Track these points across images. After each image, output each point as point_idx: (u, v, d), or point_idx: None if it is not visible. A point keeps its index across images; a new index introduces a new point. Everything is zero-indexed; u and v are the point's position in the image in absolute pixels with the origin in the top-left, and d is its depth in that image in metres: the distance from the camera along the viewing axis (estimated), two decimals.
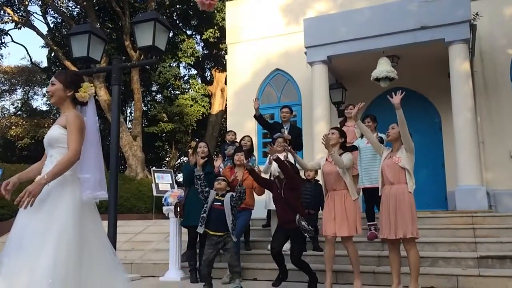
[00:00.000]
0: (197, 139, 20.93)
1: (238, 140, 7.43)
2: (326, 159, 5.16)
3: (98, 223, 3.05)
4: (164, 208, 6.53)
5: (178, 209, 6.27)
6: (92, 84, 3.23)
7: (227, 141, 7.73)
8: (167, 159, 23.09)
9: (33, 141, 19.66)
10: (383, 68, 8.15)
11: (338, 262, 5.83)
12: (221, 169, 6.41)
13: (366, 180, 6.19)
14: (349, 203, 4.96)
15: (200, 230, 5.10)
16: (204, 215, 5.05)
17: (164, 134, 19.13)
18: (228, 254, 4.98)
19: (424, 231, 6.17)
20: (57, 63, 18.20)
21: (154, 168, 13.10)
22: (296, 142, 6.94)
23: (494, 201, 8.60)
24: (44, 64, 22.11)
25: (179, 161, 22.74)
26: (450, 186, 9.03)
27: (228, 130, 8.79)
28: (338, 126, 6.28)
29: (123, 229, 8.22)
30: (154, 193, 11.18)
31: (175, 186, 11.50)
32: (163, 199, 6.60)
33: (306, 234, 4.99)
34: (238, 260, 5.02)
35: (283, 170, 4.99)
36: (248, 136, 7.18)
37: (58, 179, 2.82)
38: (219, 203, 5.04)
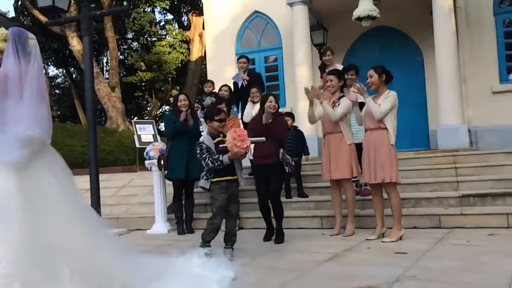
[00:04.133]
0: (178, 87, 20.53)
1: (216, 90, 7.26)
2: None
3: (64, 184, 2.90)
4: (146, 162, 6.44)
5: (162, 162, 6.19)
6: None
7: (205, 92, 7.54)
8: (148, 109, 22.73)
9: None
10: (365, 6, 7.86)
11: (324, 208, 5.90)
12: (201, 119, 6.26)
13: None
14: (343, 146, 4.97)
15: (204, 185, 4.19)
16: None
17: (143, 84, 18.65)
18: (232, 222, 4.27)
19: (407, 172, 6.23)
20: (25, 13, 17.26)
21: (135, 119, 12.86)
22: (257, 83, 6.76)
23: (475, 138, 8.70)
24: (12, 14, 20.97)
25: (160, 110, 22.42)
26: (432, 125, 9.09)
27: (206, 79, 8.57)
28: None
29: (107, 183, 8.15)
30: (137, 145, 11.02)
31: (158, 136, 11.34)
32: (144, 153, 6.49)
33: (287, 168, 4.78)
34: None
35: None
36: (226, 85, 6.99)
37: None
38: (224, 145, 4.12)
